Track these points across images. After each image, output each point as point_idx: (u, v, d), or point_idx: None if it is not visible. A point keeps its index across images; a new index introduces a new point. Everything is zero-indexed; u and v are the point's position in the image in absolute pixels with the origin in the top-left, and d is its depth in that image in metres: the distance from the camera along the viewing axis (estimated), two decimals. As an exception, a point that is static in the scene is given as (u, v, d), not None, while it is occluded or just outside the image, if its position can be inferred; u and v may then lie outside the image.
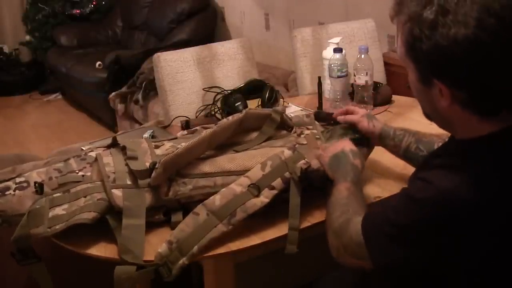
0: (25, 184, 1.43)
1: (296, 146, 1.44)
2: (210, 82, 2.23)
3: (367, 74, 2.03)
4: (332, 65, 2.08)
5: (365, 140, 1.48)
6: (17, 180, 1.44)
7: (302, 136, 1.49)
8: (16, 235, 1.29)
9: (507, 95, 0.91)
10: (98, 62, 4.27)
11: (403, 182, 1.46)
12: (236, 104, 1.96)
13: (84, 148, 1.66)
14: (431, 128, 1.10)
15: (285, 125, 1.56)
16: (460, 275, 0.95)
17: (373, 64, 2.07)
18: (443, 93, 0.93)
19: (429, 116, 1.04)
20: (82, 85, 4.39)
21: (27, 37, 5.30)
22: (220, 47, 2.32)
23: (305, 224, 1.34)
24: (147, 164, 1.36)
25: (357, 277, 1.39)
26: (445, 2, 0.88)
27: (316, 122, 1.58)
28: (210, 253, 1.26)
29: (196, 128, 1.63)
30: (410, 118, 1.95)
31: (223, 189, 1.32)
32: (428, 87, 0.96)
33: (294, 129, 1.54)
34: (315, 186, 1.43)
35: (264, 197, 1.31)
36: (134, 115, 3.67)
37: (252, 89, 2.10)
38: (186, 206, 1.35)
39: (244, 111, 1.50)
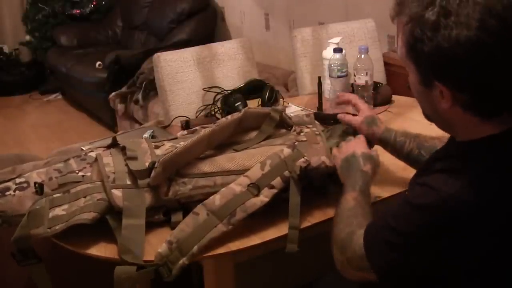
0: (25, 185, 1.43)
1: (296, 143, 1.43)
2: (210, 82, 2.23)
3: (367, 74, 2.03)
4: (332, 65, 2.08)
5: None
6: (17, 180, 1.44)
7: (301, 134, 1.49)
8: (16, 235, 1.30)
9: (508, 96, 0.91)
10: (98, 62, 4.27)
11: (403, 182, 1.46)
12: (236, 104, 1.96)
13: (84, 148, 1.66)
14: (431, 129, 1.09)
15: (284, 123, 1.56)
16: (460, 276, 0.95)
17: (373, 64, 2.07)
18: (444, 95, 0.93)
19: (429, 117, 1.04)
20: (82, 85, 4.39)
21: (27, 37, 5.30)
22: (220, 47, 2.32)
23: (305, 223, 1.34)
24: (147, 164, 1.36)
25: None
26: (447, 3, 0.88)
27: (316, 122, 1.58)
28: (210, 253, 1.26)
29: (196, 128, 1.63)
30: (410, 118, 1.95)
31: (223, 188, 1.32)
32: (429, 88, 0.96)
33: (293, 128, 1.54)
34: (315, 185, 1.43)
35: (264, 197, 1.31)
36: (134, 115, 3.67)
37: (252, 89, 2.10)
38: (186, 206, 1.35)
39: (243, 110, 1.50)
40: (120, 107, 3.73)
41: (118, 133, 2.24)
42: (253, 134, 1.52)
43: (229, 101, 2.00)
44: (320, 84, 2.06)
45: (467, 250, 0.91)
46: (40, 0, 5.14)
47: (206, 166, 1.38)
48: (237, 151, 1.46)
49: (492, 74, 0.88)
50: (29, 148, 4.00)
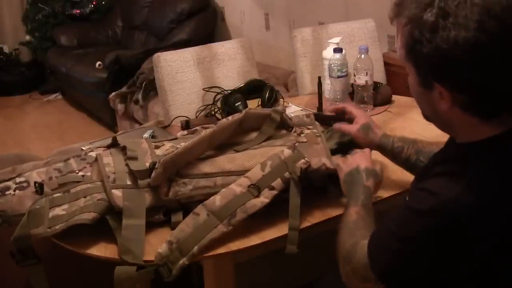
0: (25, 184, 1.43)
1: (296, 144, 1.43)
2: (210, 82, 2.23)
3: (367, 74, 2.03)
4: (332, 65, 2.08)
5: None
6: (17, 180, 1.44)
7: (302, 135, 1.49)
8: (16, 235, 1.30)
9: (507, 97, 0.91)
10: (98, 62, 4.27)
11: (403, 182, 1.46)
12: (236, 104, 1.96)
13: (84, 148, 1.66)
14: (431, 129, 1.09)
15: (285, 124, 1.56)
16: (462, 278, 0.95)
17: (373, 64, 2.07)
18: (443, 96, 0.93)
19: (428, 118, 1.04)
20: (82, 85, 4.39)
21: (27, 37, 5.30)
22: (220, 47, 2.32)
23: (305, 224, 1.34)
24: (147, 164, 1.36)
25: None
26: (445, 4, 0.87)
27: (316, 122, 1.58)
28: (210, 253, 1.26)
29: (196, 128, 1.63)
30: (410, 118, 1.95)
31: (223, 189, 1.32)
32: (428, 89, 0.96)
33: (294, 129, 1.54)
34: (315, 186, 1.43)
35: (264, 198, 1.31)
36: (134, 115, 3.67)
37: (252, 89, 2.10)
38: (186, 206, 1.35)
39: (243, 111, 1.50)
40: (120, 107, 3.73)
41: (118, 133, 2.24)
42: (254, 135, 1.52)
43: (229, 101, 2.00)
44: (320, 84, 2.06)
45: (469, 252, 0.91)
46: (40, 0, 5.14)
47: (206, 167, 1.38)
48: (237, 151, 1.46)
49: (491, 75, 0.88)
50: (29, 148, 4.00)
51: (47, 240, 1.30)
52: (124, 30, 4.99)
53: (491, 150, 0.94)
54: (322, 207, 1.41)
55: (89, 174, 1.43)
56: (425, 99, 0.99)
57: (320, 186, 1.44)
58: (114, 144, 1.52)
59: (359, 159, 1.31)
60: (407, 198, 1.04)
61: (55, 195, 1.37)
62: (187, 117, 2.04)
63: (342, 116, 1.57)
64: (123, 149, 1.45)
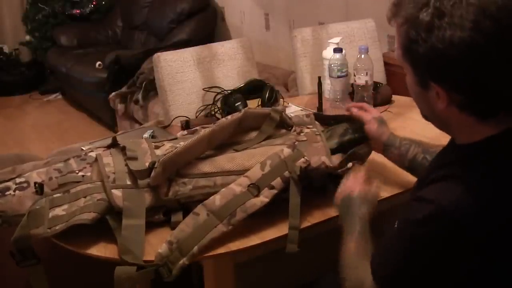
0: (25, 185, 1.43)
1: (296, 143, 1.43)
2: (210, 82, 2.23)
3: (367, 74, 2.03)
4: (332, 65, 2.08)
5: (364, 140, 1.48)
6: (17, 180, 1.44)
7: (302, 134, 1.49)
8: (16, 235, 1.29)
9: (504, 97, 0.91)
10: (98, 62, 4.27)
11: (403, 182, 1.46)
12: (236, 104, 1.96)
13: (84, 148, 1.66)
14: (431, 129, 1.09)
15: (284, 124, 1.56)
16: (459, 278, 0.95)
17: (373, 64, 2.07)
18: (440, 95, 0.93)
19: (427, 117, 1.04)
20: (82, 85, 4.39)
21: (27, 37, 5.30)
22: (220, 47, 2.32)
23: (305, 224, 1.34)
24: (147, 164, 1.36)
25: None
26: (441, 4, 0.87)
27: (316, 122, 1.58)
28: (210, 253, 1.26)
29: (196, 128, 1.63)
30: (410, 118, 1.95)
31: (223, 189, 1.32)
32: (425, 89, 0.96)
33: (293, 128, 1.54)
34: (315, 185, 1.43)
35: (264, 197, 1.31)
36: (134, 115, 3.67)
37: (252, 89, 2.10)
38: (186, 206, 1.35)
39: (243, 110, 1.50)
40: (120, 107, 3.73)
41: (118, 133, 2.24)
42: (253, 134, 1.52)
43: (229, 101, 2.00)
44: (320, 84, 2.06)
45: (469, 254, 0.91)
46: (40, 0, 5.14)
47: (206, 166, 1.38)
48: (237, 151, 1.46)
49: (487, 74, 0.88)
50: (29, 148, 4.00)
51: (47, 240, 1.30)
52: (124, 30, 4.99)
53: (490, 151, 0.94)
54: (322, 207, 1.41)
55: (89, 174, 1.43)
56: (422, 99, 0.99)
57: (319, 185, 1.44)
58: (114, 144, 1.52)
59: (351, 185, 1.28)
60: (403, 214, 1.01)
61: (55, 196, 1.37)
62: (187, 117, 2.04)
63: (343, 116, 1.57)
64: (123, 149, 1.45)
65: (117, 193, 1.33)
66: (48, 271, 1.35)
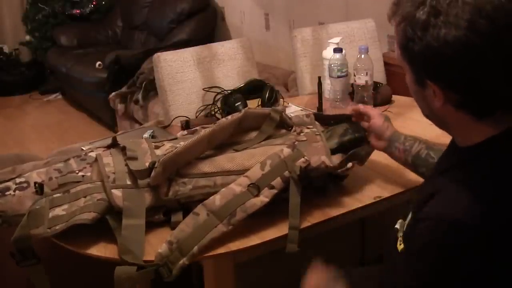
0: (25, 185, 1.43)
1: (296, 143, 1.43)
2: (210, 82, 2.23)
3: (367, 74, 2.03)
4: (332, 65, 2.08)
5: (364, 140, 1.48)
6: (17, 180, 1.44)
7: (301, 134, 1.49)
8: (16, 235, 1.29)
9: (500, 96, 0.90)
10: (98, 62, 4.28)
11: (403, 182, 1.47)
12: (236, 104, 1.96)
13: (84, 148, 1.66)
14: (431, 129, 1.09)
15: (284, 124, 1.56)
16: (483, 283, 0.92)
17: (373, 64, 2.07)
18: (436, 94, 0.93)
19: (428, 116, 1.04)
20: (82, 85, 4.40)
21: (27, 37, 5.30)
22: (220, 47, 2.32)
23: (305, 224, 1.34)
24: (147, 164, 1.36)
25: (357, 277, 1.38)
26: (437, 3, 0.87)
27: (316, 122, 1.58)
28: (210, 253, 1.26)
29: (196, 128, 1.63)
30: (410, 118, 1.95)
31: (223, 189, 1.32)
32: (423, 87, 0.96)
33: (293, 128, 1.54)
34: (314, 185, 1.43)
35: (264, 197, 1.31)
36: (134, 115, 3.67)
37: (252, 89, 2.10)
38: (186, 206, 1.35)
39: (243, 110, 1.50)
40: (120, 107, 3.73)
41: (118, 133, 2.24)
42: (253, 134, 1.52)
43: (229, 101, 2.00)
44: (320, 84, 2.06)
45: (483, 268, 0.87)
46: (40, 0, 5.14)
47: (206, 166, 1.38)
48: (237, 151, 1.46)
49: (482, 74, 0.87)
50: (29, 148, 4.00)
51: (47, 240, 1.30)
52: (124, 30, 4.99)
53: (491, 152, 0.92)
54: (322, 207, 1.41)
55: (89, 174, 1.43)
56: (421, 97, 0.99)
57: (319, 185, 1.44)
58: (114, 144, 1.52)
59: (308, 285, 1.22)
60: (402, 235, 0.99)
61: (55, 195, 1.37)
62: (187, 117, 2.04)
63: (343, 116, 1.57)
64: (123, 149, 1.45)
65: (117, 193, 1.33)
66: (48, 271, 1.35)
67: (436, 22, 0.87)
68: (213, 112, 2.04)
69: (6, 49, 5.37)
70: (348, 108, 1.91)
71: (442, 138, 1.10)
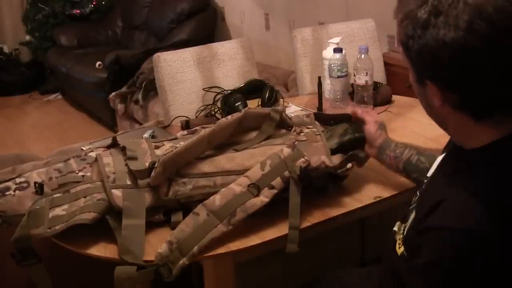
0: (25, 185, 1.43)
1: (296, 143, 1.44)
2: (210, 82, 2.23)
3: (367, 74, 2.03)
4: (332, 65, 2.08)
5: (364, 140, 1.48)
6: (17, 180, 1.44)
7: (301, 134, 1.49)
8: (16, 235, 1.29)
9: (497, 99, 0.89)
10: (98, 62, 4.28)
11: (403, 183, 1.46)
12: (236, 104, 1.96)
13: (84, 148, 1.66)
14: (431, 129, 1.09)
15: (284, 124, 1.56)
16: None
17: (373, 64, 2.07)
18: (434, 93, 0.93)
19: (429, 115, 1.03)
20: (82, 85, 4.40)
21: (27, 37, 5.31)
22: (220, 47, 2.32)
23: (305, 224, 1.34)
24: (147, 164, 1.36)
25: (357, 277, 1.38)
26: (438, 2, 0.87)
27: (316, 122, 1.58)
28: (210, 253, 1.26)
29: (196, 128, 1.63)
30: (410, 118, 1.95)
31: (223, 189, 1.32)
32: (423, 86, 0.95)
33: (293, 128, 1.54)
34: (314, 185, 1.43)
35: (264, 197, 1.31)
36: (134, 115, 3.67)
37: (252, 89, 2.10)
38: (186, 206, 1.35)
39: (243, 110, 1.50)
40: (120, 107, 3.73)
41: (118, 133, 2.24)
42: (253, 134, 1.52)
43: (229, 101, 2.00)
44: (320, 84, 2.06)
45: (496, 277, 0.86)
46: (40, 0, 5.14)
47: (206, 166, 1.38)
48: (237, 151, 1.46)
49: (479, 76, 0.86)
50: (29, 148, 4.00)
51: (47, 240, 1.30)
52: (124, 30, 5.00)
53: (497, 158, 0.91)
54: (322, 207, 1.41)
55: (89, 174, 1.43)
56: (422, 96, 0.98)
57: (319, 185, 1.44)
58: (114, 144, 1.52)
59: None
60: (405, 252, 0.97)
61: (55, 195, 1.37)
62: (187, 117, 2.04)
63: (343, 116, 1.57)
64: (123, 149, 1.45)
65: (117, 193, 1.33)
66: (48, 271, 1.35)
67: (436, 22, 0.86)
68: (213, 112, 2.04)
69: (6, 49, 5.37)
70: (348, 108, 1.92)
71: (442, 138, 1.10)
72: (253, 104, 2.03)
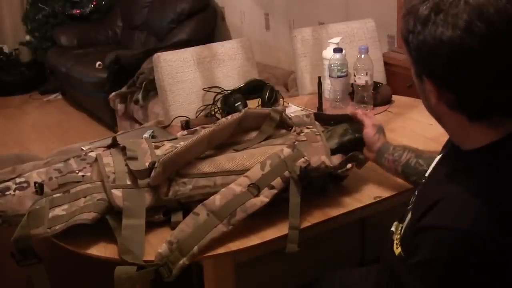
0: (25, 185, 1.43)
1: (296, 143, 1.44)
2: (210, 82, 2.23)
3: (367, 74, 2.03)
4: (332, 65, 2.08)
5: (364, 141, 1.48)
6: (17, 180, 1.44)
7: (301, 134, 1.49)
8: (16, 235, 1.29)
9: (496, 101, 0.88)
10: (98, 62, 4.28)
11: (403, 183, 1.46)
12: (236, 104, 1.96)
13: (84, 148, 1.66)
14: (431, 129, 1.09)
15: (284, 124, 1.56)
16: None
17: (373, 64, 2.07)
18: (431, 90, 0.92)
19: (428, 111, 1.02)
20: (82, 85, 4.40)
21: (27, 37, 5.31)
22: (220, 47, 2.32)
23: (305, 224, 1.34)
24: (147, 164, 1.36)
25: (357, 277, 1.38)
26: (440, 0, 0.87)
27: (316, 122, 1.58)
28: (210, 253, 1.26)
29: (196, 128, 1.63)
30: (410, 118, 1.95)
31: (223, 189, 1.32)
32: (421, 82, 0.95)
33: (293, 128, 1.54)
34: (314, 185, 1.43)
35: (264, 197, 1.31)
36: (134, 115, 3.67)
37: (252, 89, 2.10)
38: (186, 206, 1.35)
39: (243, 110, 1.50)
40: (120, 107, 3.73)
41: (118, 133, 2.24)
42: (253, 134, 1.52)
43: (229, 101, 2.00)
44: (320, 84, 2.06)
45: (492, 278, 0.85)
46: (40, 0, 5.14)
47: (206, 166, 1.38)
48: (237, 151, 1.46)
49: (475, 77, 0.86)
50: (29, 148, 4.00)
51: (47, 240, 1.30)
52: (124, 30, 5.00)
53: (496, 159, 0.90)
54: (322, 207, 1.41)
55: (89, 174, 1.43)
56: (421, 92, 0.98)
57: (319, 185, 1.44)
58: (114, 144, 1.52)
59: None
60: (403, 253, 0.97)
61: (55, 195, 1.37)
62: (187, 117, 2.04)
63: (343, 116, 1.57)
64: (123, 149, 1.45)
65: (117, 193, 1.33)
66: (48, 271, 1.35)
67: (436, 19, 0.86)
68: (213, 112, 2.04)
69: (6, 49, 5.37)
70: (348, 108, 1.92)
71: (442, 138, 1.10)
72: (253, 104, 2.03)
